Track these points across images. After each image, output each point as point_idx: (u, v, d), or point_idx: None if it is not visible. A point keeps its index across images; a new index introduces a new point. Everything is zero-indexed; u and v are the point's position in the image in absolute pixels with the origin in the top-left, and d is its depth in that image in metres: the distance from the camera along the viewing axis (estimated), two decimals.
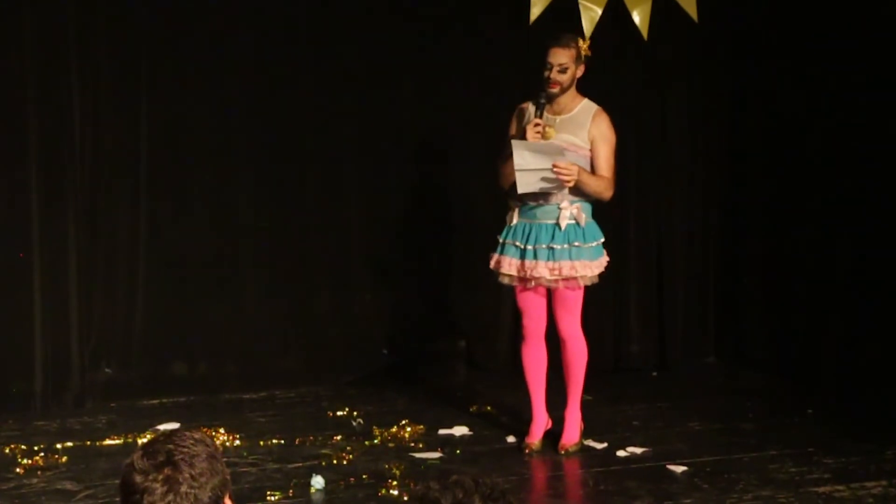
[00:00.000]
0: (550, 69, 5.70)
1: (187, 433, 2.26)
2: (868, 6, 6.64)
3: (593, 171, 5.72)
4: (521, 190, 5.64)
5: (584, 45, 5.76)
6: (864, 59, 6.69)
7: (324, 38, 7.19)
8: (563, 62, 5.70)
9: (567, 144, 5.67)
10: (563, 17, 6.32)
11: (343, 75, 7.24)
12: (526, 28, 6.39)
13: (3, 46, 6.47)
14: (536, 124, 5.66)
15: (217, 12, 7.03)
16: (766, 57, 7.38)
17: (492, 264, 5.90)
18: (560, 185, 5.61)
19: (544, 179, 5.59)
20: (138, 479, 2.20)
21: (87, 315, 6.73)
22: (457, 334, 7.65)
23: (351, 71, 7.25)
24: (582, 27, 6.39)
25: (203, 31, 7.01)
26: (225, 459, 2.30)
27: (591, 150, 5.72)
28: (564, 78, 5.71)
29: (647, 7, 6.73)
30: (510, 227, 5.83)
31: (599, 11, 6.64)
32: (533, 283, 5.76)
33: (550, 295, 5.80)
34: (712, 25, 7.26)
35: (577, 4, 6.57)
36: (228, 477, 2.27)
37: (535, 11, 6.66)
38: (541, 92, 5.73)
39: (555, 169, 5.53)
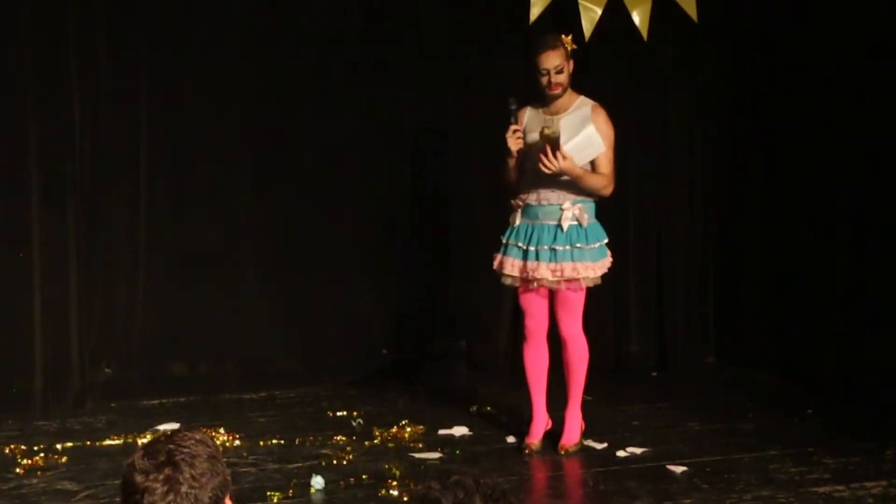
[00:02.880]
0: (547, 74, 5.69)
1: (188, 433, 2.26)
2: (869, 6, 6.64)
3: (593, 167, 5.72)
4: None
5: (567, 40, 5.75)
6: (864, 59, 6.68)
7: (323, 38, 7.19)
8: (558, 63, 5.69)
9: (581, 138, 5.66)
10: (563, 17, 6.33)
11: (343, 75, 7.24)
12: (526, 28, 6.39)
13: (3, 46, 6.47)
14: (515, 130, 5.68)
15: (217, 12, 7.03)
16: (766, 57, 7.38)
17: (495, 265, 5.89)
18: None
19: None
20: (139, 478, 2.20)
21: (87, 315, 6.73)
22: (457, 334, 7.65)
23: (351, 71, 7.25)
24: (581, 27, 6.40)
25: (203, 32, 7.01)
26: (225, 459, 2.30)
27: None
28: (563, 78, 5.72)
29: (647, 7, 6.73)
30: (513, 227, 5.82)
31: (599, 11, 6.64)
32: (535, 284, 5.76)
33: (552, 296, 5.80)
34: (712, 25, 7.26)
35: (577, 4, 6.57)
36: (229, 478, 2.27)
37: (535, 11, 6.66)
38: (550, 95, 5.73)
39: (541, 159, 5.54)
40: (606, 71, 7.35)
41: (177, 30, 6.96)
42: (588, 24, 6.67)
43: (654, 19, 6.58)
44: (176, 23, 6.95)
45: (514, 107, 5.72)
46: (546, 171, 5.57)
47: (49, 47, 6.49)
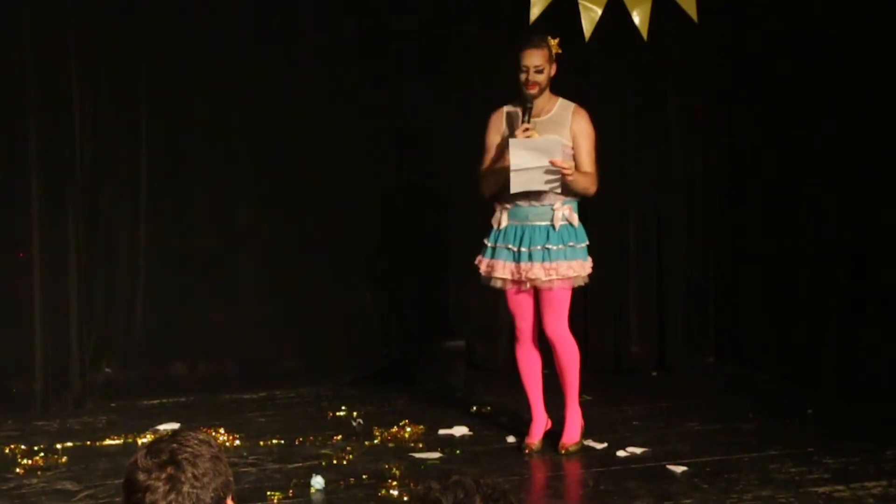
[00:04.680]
0: (527, 71, 5.69)
1: (192, 433, 2.27)
2: (869, 5, 6.63)
3: (577, 167, 5.72)
4: (513, 189, 5.62)
5: (554, 44, 5.75)
6: (865, 59, 6.68)
7: (323, 38, 7.19)
8: (538, 63, 5.69)
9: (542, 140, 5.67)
10: (563, 17, 6.33)
11: (342, 76, 7.24)
12: (526, 28, 6.39)
13: (3, 47, 6.47)
14: (526, 129, 5.66)
15: (217, 12, 7.03)
16: (766, 57, 7.38)
17: (483, 268, 5.87)
18: (556, 181, 5.59)
19: (542, 176, 5.58)
20: (141, 477, 2.21)
21: (87, 315, 6.73)
22: (457, 334, 7.64)
23: (350, 71, 7.25)
24: (581, 27, 6.40)
25: (203, 32, 7.01)
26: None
27: (572, 147, 5.72)
28: (541, 78, 5.70)
29: (647, 7, 6.74)
30: (499, 230, 5.81)
31: (599, 11, 6.65)
32: (528, 285, 5.75)
33: (537, 297, 5.79)
34: (712, 25, 7.26)
35: (577, 4, 6.57)
36: (231, 478, 2.27)
37: (535, 11, 6.67)
38: (527, 94, 5.72)
39: (556, 165, 5.53)
40: (607, 71, 7.35)
41: (177, 30, 6.96)
42: (588, 24, 6.67)
43: (654, 19, 6.58)
44: (176, 23, 6.94)
45: (529, 104, 5.71)
46: (570, 176, 5.57)
47: (49, 47, 6.49)
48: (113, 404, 6.72)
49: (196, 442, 2.24)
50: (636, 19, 6.78)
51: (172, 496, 2.19)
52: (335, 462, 5.70)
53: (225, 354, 7.16)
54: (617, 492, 5.30)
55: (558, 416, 5.94)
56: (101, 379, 6.91)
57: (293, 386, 7.10)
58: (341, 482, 5.40)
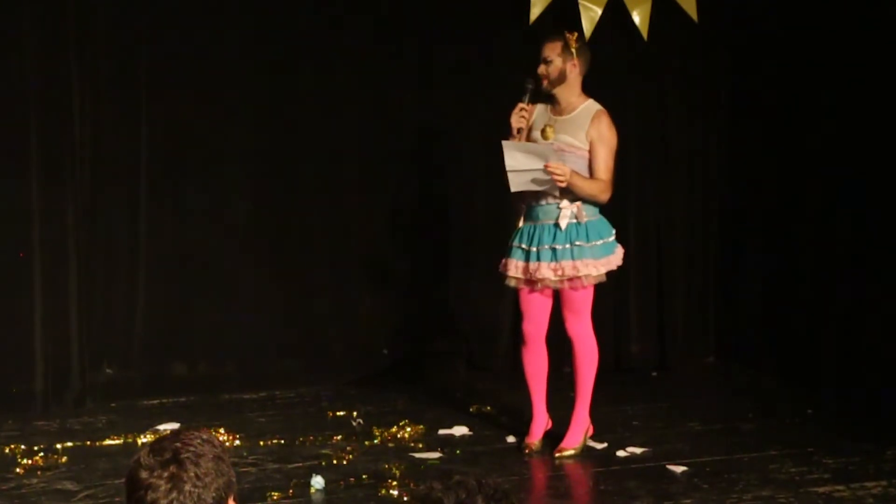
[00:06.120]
0: (539, 64, 5.70)
1: (196, 433, 2.27)
2: (869, 5, 6.63)
3: (591, 172, 5.69)
4: (513, 188, 5.61)
5: (571, 38, 5.71)
6: (865, 59, 6.68)
7: (324, 38, 7.19)
8: (547, 55, 5.68)
9: (565, 146, 5.63)
10: (564, 17, 6.33)
11: (343, 76, 7.24)
12: (526, 27, 6.40)
13: (3, 46, 6.47)
14: (522, 108, 5.64)
15: (217, 12, 7.03)
16: (766, 57, 7.38)
17: (501, 267, 5.87)
18: (553, 184, 5.58)
19: (535, 181, 5.57)
20: (143, 475, 2.21)
21: (87, 315, 6.72)
22: (457, 334, 7.65)
23: (351, 71, 7.25)
24: (582, 27, 6.40)
25: (203, 31, 7.01)
26: None
27: (589, 152, 5.70)
28: (550, 70, 5.68)
29: (647, 7, 6.75)
30: (518, 230, 5.80)
31: (599, 11, 6.66)
32: (539, 285, 5.73)
33: (557, 296, 5.78)
34: (712, 25, 7.26)
35: (577, 4, 6.58)
36: (234, 478, 2.27)
37: (535, 11, 6.68)
38: (527, 77, 5.71)
39: (548, 169, 5.52)
40: (606, 71, 7.34)
41: (177, 30, 6.96)
42: (588, 24, 6.69)
43: (654, 19, 6.60)
44: (176, 22, 6.94)
45: (530, 86, 5.67)
46: (561, 183, 5.55)
47: (49, 47, 6.49)
48: (113, 404, 6.72)
49: (199, 441, 2.24)
50: (636, 19, 6.80)
51: (174, 495, 2.19)
52: (335, 462, 5.70)
53: (225, 354, 7.16)
54: (617, 492, 5.30)
55: (559, 415, 5.93)
56: (101, 379, 6.91)
57: (293, 386, 7.10)
58: (341, 482, 5.40)
